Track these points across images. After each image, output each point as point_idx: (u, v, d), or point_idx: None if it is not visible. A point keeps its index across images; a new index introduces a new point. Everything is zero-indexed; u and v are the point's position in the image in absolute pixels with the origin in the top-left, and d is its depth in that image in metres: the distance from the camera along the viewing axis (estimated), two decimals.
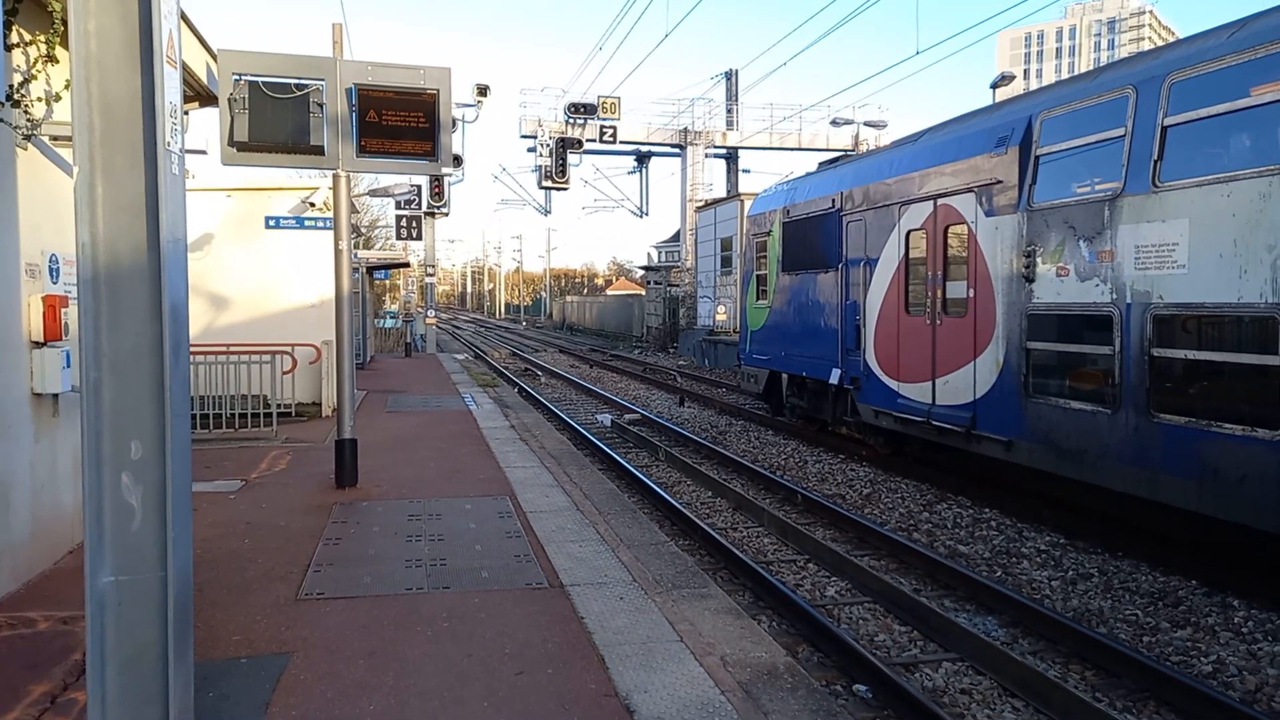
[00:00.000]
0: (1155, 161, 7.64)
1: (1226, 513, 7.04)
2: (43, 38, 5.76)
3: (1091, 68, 9.93)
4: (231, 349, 12.62)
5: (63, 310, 5.97)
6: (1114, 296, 8.05)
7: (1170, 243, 7.48)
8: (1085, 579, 7.82)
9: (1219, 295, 7.04)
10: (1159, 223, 7.60)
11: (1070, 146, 8.87)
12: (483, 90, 30.49)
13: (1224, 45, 7.20)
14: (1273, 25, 6.86)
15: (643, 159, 41.14)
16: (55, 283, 6.19)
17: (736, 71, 40.05)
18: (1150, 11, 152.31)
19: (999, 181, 9.69)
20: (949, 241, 10.74)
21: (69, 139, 5.87)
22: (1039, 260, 9.06)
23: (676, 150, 39.56)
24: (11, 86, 5.52)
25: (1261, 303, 6.69)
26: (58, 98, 5.99)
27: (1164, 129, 7.60)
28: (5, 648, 4.71)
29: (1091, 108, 8.57)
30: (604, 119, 36.00)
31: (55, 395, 6.09)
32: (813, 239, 14.20)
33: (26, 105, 5.65)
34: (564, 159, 35.00)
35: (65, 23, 5.28)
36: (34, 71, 5.77)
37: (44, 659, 4.57)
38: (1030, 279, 9.16)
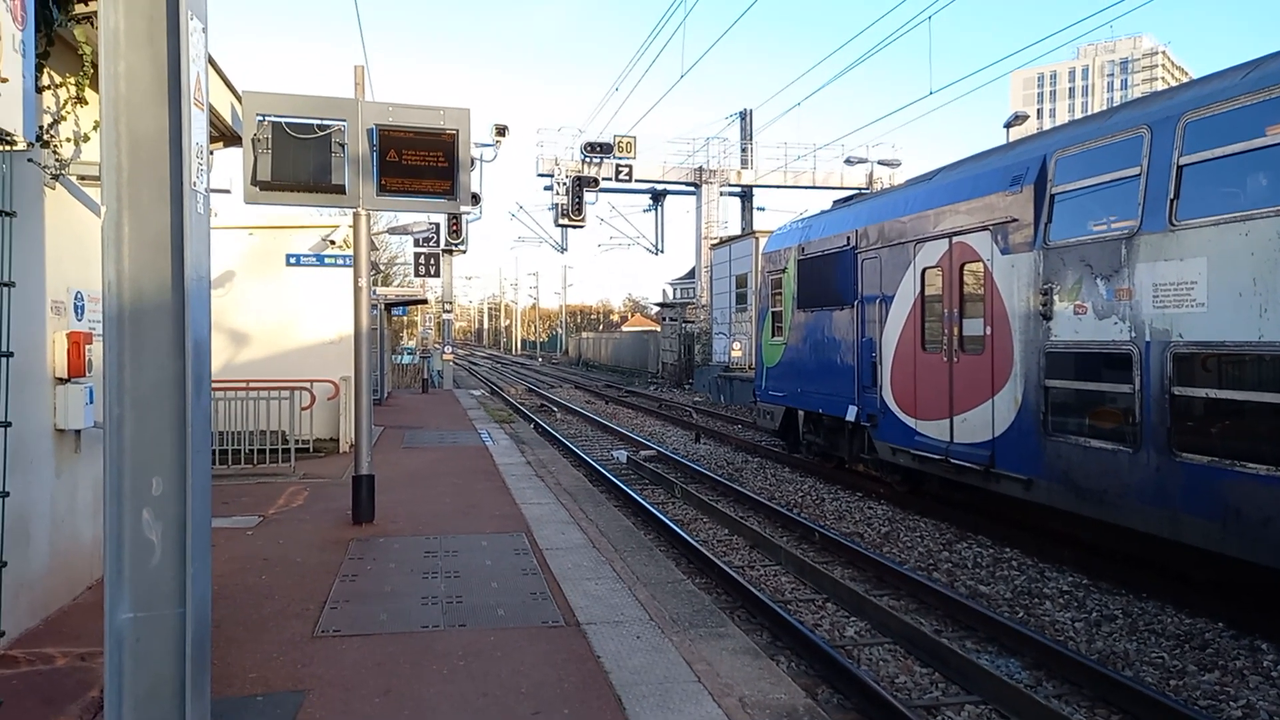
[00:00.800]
0: (1171, 200, 7.64)
1: (1251, 554, 6.93)
2: (72, 80, 5.89)
3: (1105, 108, 9.97)
4: (251, 385, 12.71)
5: (86, 347, 6.04)
6: (1133, 335, 8.01)
7: (1189, 281, 7.45)
8: (1109, 621, 7.69)
9: (1239, 334, 6.99)
10: (1176, 261, 7.58)
11: (1085, 185, 8.88)
12: (501, 130, 30.91)
13: (1239, 85, 7.21)
14: None
15: (658, 197, 41.46)
16: (80, 319, 6.27)
17: (751, 111, 40.47)
18: (1163, 52, 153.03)
19: (1014, 220, 9.70)
20: (965, 279, 10.73)
21: (95, 178, 5.98)
22: (1056, 298, 9.03)
23: (691, 188, 39.87)
24: (41, 127, 5.64)
25: None
26: (86, 138, 6.11)
27: (1179, 168, 7.61)
28: (23, 684, 4.70)
29: (1106, 147, 8.59)
30: (620, 158, 36.39)
31: (77, 431, 6.14)
32: (828, 276, 14.22)
33: (55, 146, 5.77)
34: (580, 197, 35.32)
35: (95, 65, 5.41)
36: (63, 113, 5.89)
37: (61, 695, 4.56)
38: (1048, 317, 9.13)
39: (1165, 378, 7.62)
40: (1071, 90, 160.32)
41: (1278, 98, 6.83)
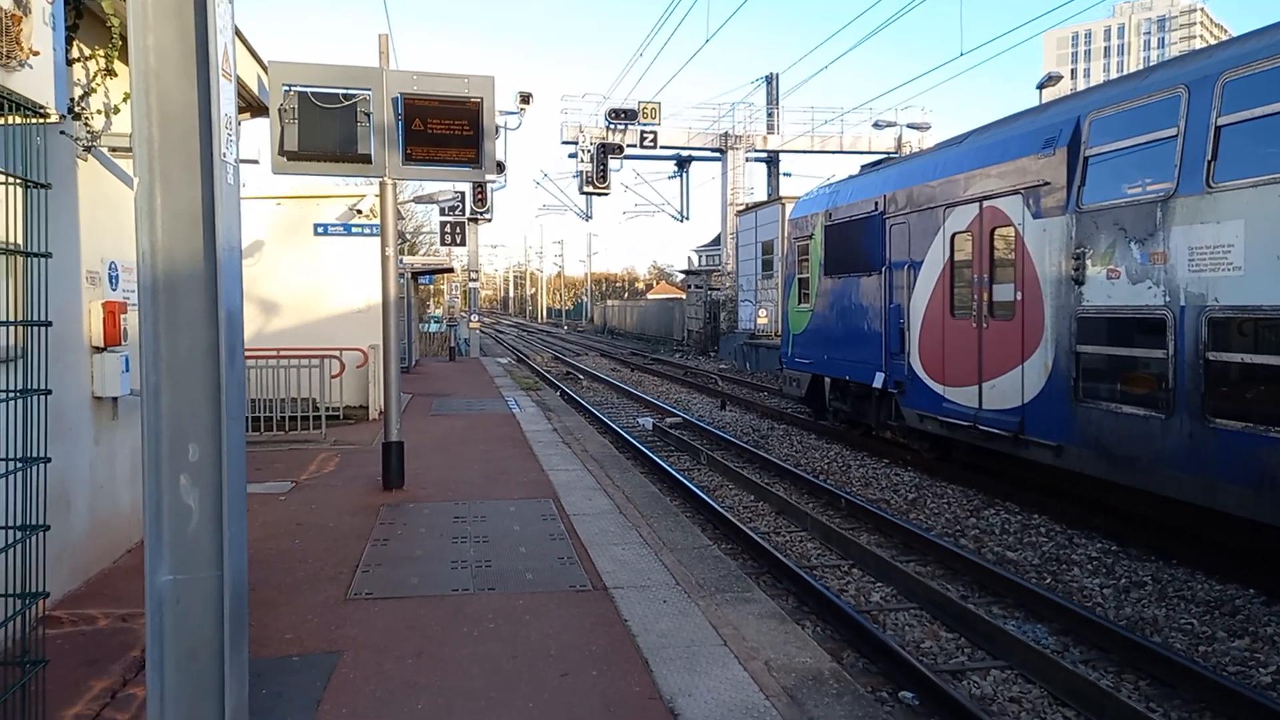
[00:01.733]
0: (1209, 162, 7.49)
1: None
2: (102, 52, 5.93)
3: (1141, 67, 9.75)
4: (282, 353, 12.86)
5: (122, 316, 6.14)
6: (1167, 299, 7.89)
7: (1225, 244, 7.31)
8: (1138, 587, 7.66)
9: (1277, 298, 6.87)
10: (1213, 224, 7.44)
11: (1120, 147, 8.72)
12: (525, 98, 30.76)
13: None
14: None
15: (683, 163, 41.16)
16: (115, 289, 6.36)
17: (777, 75, 39.92)
18: (1201, 9, 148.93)
19: (1047, 183, 9.55)
20: (995, 244, 10.60)
21: (126, 150, 6.05)
22: (1089, 262, 8.91)
23: (717, 154, 39.52)
24: (72, 100, 5.69)
25: None
26: (116, 110, 6.16)
27: (1218, 129, 7.44)
28: (67, 644, 4.85)
29: (1142, 108, 8.41)
30: (644, 124, 36.09)
31: (114, 399, 6.26)
32: (855, 242, 14.10)
33: (87, 118, 5.82)
34: (605, 164, 35.14)
35: (124, 38, 5.44)
36: (94, 85, 5.94)
37: (104, 655, 4.70)
38: (1080, 281, 9.02)
39: (1200, 343, 7.52)
40: (1107, 50, 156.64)
41: None
